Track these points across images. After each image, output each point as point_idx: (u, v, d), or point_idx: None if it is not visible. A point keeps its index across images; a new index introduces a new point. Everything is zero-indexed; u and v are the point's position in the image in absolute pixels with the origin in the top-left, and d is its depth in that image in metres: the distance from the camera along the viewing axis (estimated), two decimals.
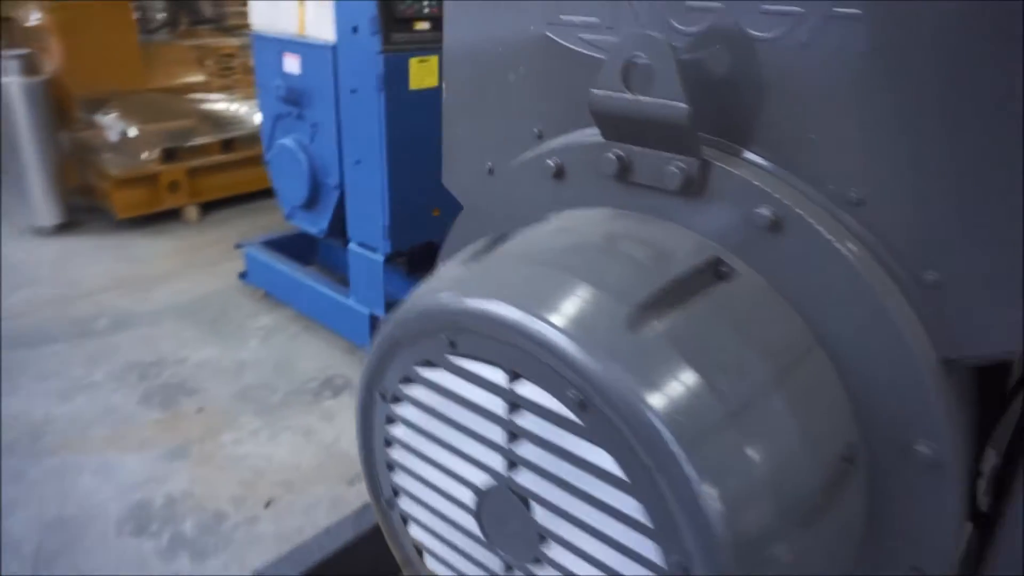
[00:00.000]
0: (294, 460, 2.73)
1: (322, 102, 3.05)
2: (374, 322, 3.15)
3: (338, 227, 3.28)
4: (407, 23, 2.73)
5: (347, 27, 2.75)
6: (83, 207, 5.08)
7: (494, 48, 1.15)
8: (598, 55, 1.02)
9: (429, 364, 0.92)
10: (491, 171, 1.23)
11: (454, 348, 0.87)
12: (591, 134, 1.04)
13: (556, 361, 0.75)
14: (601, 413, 0.74)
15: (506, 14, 1.12)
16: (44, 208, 4.70)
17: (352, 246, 3.17)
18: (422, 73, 2.82)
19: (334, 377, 3.24)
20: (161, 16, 5.57)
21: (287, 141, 3.25)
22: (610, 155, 0.95)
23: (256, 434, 2.88)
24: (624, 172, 0.96)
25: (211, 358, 3.39)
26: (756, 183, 0.87)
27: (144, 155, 4.79)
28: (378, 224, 2.97)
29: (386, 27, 2.65)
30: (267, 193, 5.43)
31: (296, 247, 3.92)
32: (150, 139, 4.82)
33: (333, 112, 3.00)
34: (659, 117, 0.87)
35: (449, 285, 0.89)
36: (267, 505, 2.50)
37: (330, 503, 2.51)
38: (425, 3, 2.77)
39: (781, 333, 0.86)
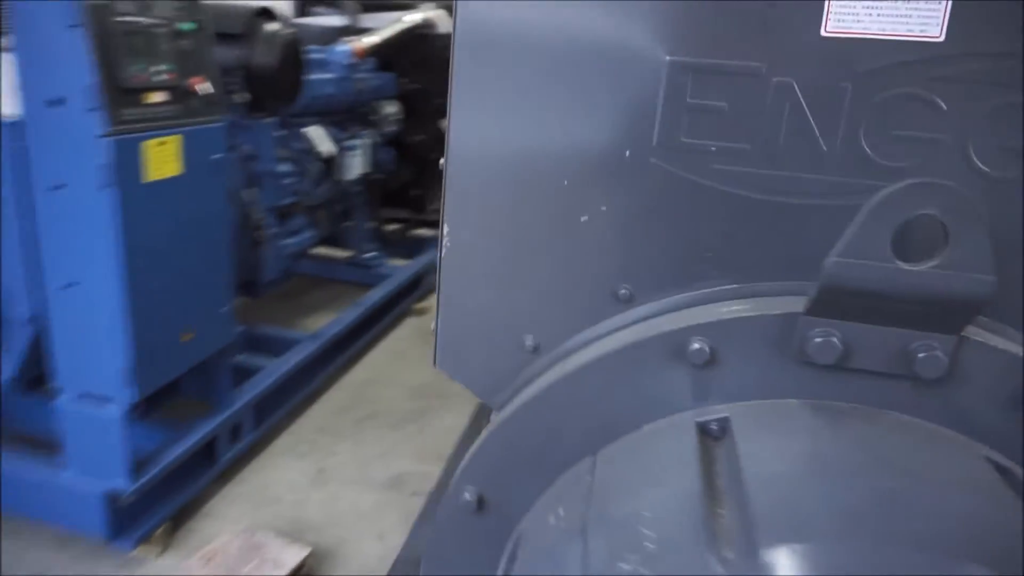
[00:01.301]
0: None
1: None
2: (113, 501, 2.25)
3: (33, 373, 2.30)
4: (135, 94, 2.02)
5: (40, 98, 1.92)
6: None
7: (552, 176, 0.78)
8: (743, 192, 0.74)
9: None
10: (536, 350, 0.84)
11: None
12: (751, 304, 0.74)
13: None
14: None
15: (577, 127, 0.76)
16: None
17: (65, 400, 2.23)
18: (161, 159, 2.12)
19: None
20: None
21: None
22: (829, 339, 0.67)
23: None
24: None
25: None
26: None
27: None
28: (111, 366, 2.13)
29: (111, 100, 1.91)
30: None
31: None
32: None
33: (14, 218, 2.08)
34: (950, 294, 0.62)
35: None
36: None
37: None
38: (158, 69, 2.09)
39: None
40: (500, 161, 0.79)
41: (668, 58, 0.72)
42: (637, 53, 0.72)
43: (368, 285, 4.47)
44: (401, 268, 4.73)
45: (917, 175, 0.70)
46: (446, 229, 0.82)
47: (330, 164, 4.01)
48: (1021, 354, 0.67)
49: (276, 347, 3.41)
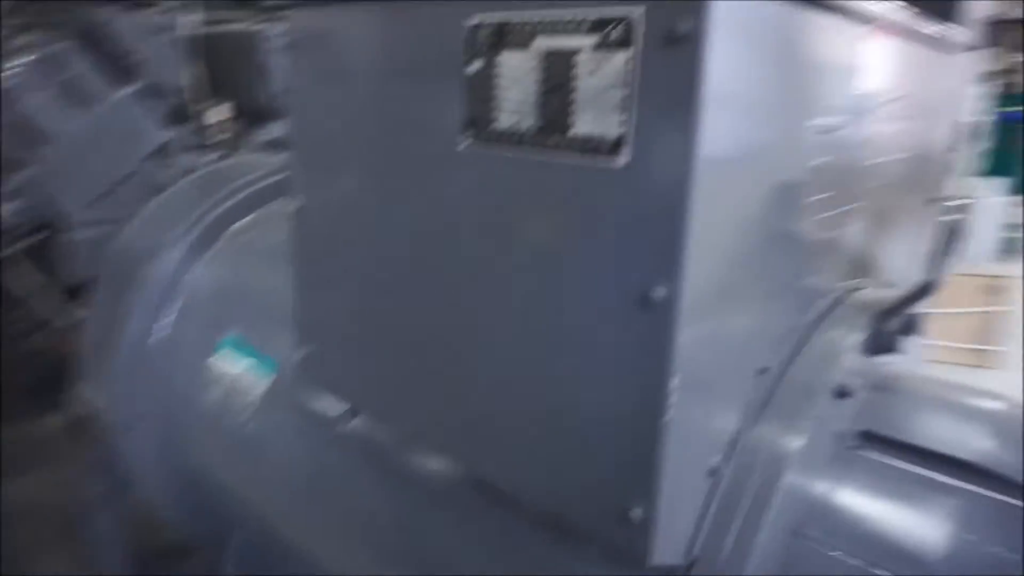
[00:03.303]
0: None
1: None
2: None
3: None
4: None
5: None
6: None
7: (787, 193, 0.59)
8: None
9: None
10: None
11: None
12: None
13: None
14: None
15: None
16: None
17: None
18: None
19: None
20: None
21: None
22: None
23: None
24: None
25: None
26: None
27: None
28: None
29: None
30: None
31: None
32: None
33: None
34: None
35: None
36: None
37: None
38: None
39: None
40: (744, 200, 0.55)
41: None
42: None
43: None
44: None
45: None
46: (685, 304, 0.52)
47: None
48: None
49: None
